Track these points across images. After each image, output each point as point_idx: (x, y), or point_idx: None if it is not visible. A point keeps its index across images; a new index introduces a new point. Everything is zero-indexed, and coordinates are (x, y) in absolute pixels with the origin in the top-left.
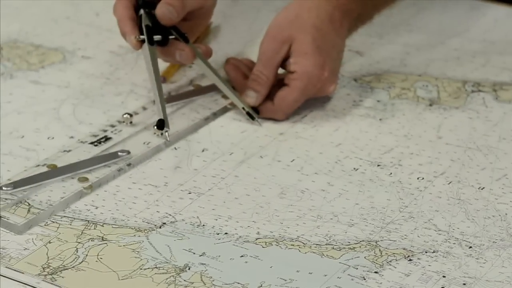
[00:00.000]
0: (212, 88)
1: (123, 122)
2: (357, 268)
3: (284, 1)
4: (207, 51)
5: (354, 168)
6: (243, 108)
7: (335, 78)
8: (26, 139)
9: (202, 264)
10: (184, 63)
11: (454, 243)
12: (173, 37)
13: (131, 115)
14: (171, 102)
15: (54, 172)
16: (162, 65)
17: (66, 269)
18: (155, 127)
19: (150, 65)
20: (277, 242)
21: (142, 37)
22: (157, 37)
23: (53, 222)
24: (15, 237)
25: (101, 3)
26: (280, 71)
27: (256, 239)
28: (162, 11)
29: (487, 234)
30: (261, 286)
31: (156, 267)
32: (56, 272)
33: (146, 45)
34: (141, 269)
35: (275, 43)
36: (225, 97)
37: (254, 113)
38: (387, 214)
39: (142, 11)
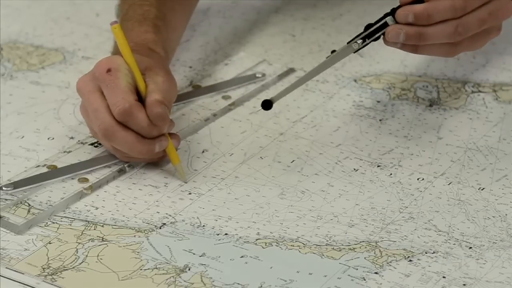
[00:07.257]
0: (212, 89)
1: None
2: (357, 269)
3: (284, 1)
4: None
5: (354, 169)
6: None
7: None
8: (26, 139)
9: (202, 264)
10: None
11: (454, 244)
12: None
13: None
14: None
15: (54, 172)
16: None
17: (66, 269)
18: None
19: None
20: (277, 243)
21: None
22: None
23: (53, 222)
24: (15, 237)
25: (101, 3)
26: None
27: (256, 239)
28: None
29: (487, 235)
30: (261, 286)
31: (156, 268)
32: (56, 273)
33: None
34: (141, 269)
35: None
36: (225, 97)
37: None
38: (387, 215)
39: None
